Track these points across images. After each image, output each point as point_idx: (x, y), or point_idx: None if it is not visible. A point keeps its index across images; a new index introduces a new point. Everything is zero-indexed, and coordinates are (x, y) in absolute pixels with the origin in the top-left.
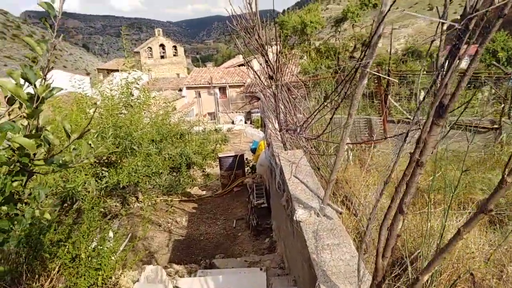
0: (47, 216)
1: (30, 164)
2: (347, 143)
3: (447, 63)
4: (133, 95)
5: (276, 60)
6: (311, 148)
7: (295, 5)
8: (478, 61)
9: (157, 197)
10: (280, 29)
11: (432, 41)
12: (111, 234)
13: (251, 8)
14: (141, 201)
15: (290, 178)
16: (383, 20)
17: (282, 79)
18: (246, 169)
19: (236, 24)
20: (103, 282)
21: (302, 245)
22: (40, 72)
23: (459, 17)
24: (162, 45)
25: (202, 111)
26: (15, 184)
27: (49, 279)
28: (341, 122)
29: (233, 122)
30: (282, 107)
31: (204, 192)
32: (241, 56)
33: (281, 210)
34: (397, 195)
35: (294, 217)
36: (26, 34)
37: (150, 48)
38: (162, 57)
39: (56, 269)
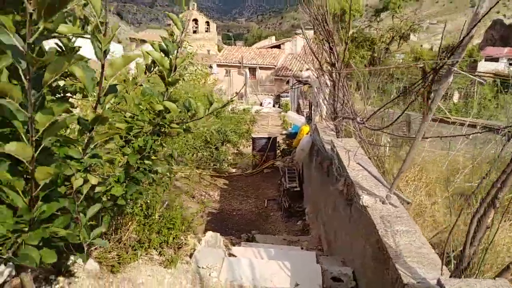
0: (166, 171)
1: (166, 126)
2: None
3: None
4: (186, 69)
5: (344, 50)
6: (365, 138)
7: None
8: None
9: (192, 169)
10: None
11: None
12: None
13: None
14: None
15: (349, 164)
16: (479, 22)
17: (343, 67)
18: (277, 151)
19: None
20: (173, 239)
21: (367, 230)
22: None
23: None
24: (195, 20)
25: (231, 90)
26: (150, 142)
27: (127, 232)
28: (394, 117)
29: (261, 104)
30: (341, 95)
31: (234, 170)
32: (273, 37)
33: (326, 194)
34: (492, 190)
35: (360, 202)
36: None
37: (183, 22)
38: (194, 31)
39: (133, 225)
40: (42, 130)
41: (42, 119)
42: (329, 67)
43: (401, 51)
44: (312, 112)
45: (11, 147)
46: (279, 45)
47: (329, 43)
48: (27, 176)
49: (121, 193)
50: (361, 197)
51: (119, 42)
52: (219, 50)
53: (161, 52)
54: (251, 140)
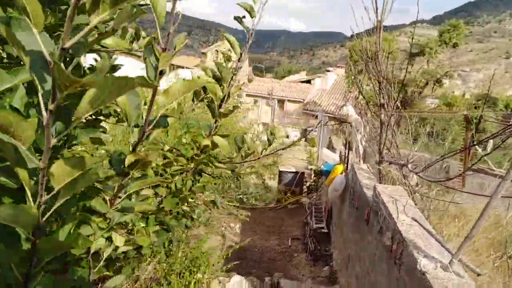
0: (205, 220)
1: (211, 165)
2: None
3: None
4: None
5: (399, 92)
6: (412, 187)
7: (364, 31)
8: None
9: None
10: (350, 53)
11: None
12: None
13: (377, 33)
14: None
15: (398, 217)
16: None
17: (393, 108)
18: (303, 187)
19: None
20: (195, 285)
21: None
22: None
23: None
24: (229, 50)
25: (259, 120)
26: (190, 183)
27: (145, 272)
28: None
29: (287, 137)
30: (390, 137)
31: (257, 203)
32: (303, 73)
33: (361, 244)
34: None
35: (418, 266)
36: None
37: (217, 51)
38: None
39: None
40: (59, 189)
41: (60, 171)
42: (373, 107)
43: (433, 95)
44: (349, 151)
45: (6, 212)
46: (309, 80)
47: (379, 83)
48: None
49: (148, 244)
50: (419, 260)
51: None
52: (249, 81)
53: (213, 78)
54: (277, 173)
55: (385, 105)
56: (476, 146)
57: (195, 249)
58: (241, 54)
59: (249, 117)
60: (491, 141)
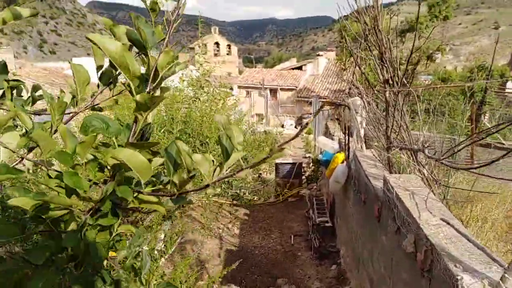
0: None
1: (130, 199)
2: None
3: None
4: (203, 88)
5: (408, 61)
6: (431, 175)
7: (355, 12)
8: None
9: (208, 198)
10: (340, 35)
11: None
12: (162, 235)
13: None
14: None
15: (420, 216)
16: None
17: (401, 84)
18: (302, 178)
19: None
20: None
21: None
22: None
23: None
24: (216, 43)
25: (251, 111)
26: (101, 234)
27: None
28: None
29: (282, 126)
30: (398, 118)
31: (255, 198)
32: (294, 59)
33: (374, 244)
34: None
35: (459, 284)
36: (89, 22)
37: (205, 45)
38: (215, 55)
39: None
40: None
41: None
42: (373, 86)
43: (427, 72)
44: (350, 137)
45: None
46: (301, 66)
47: (381, 55)
48: None
49: None
50: (458, 276)
51: None
52: (240, 73)
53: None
54: (274, 165)
55: (390, 81)
56: (484, 120)
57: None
58: (229, 45)
59: (243, 109)
60: (487, 113)
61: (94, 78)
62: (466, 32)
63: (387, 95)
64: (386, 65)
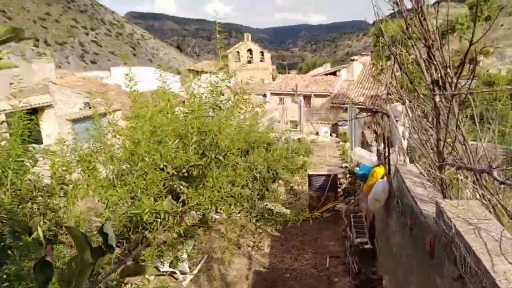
0: None
1: None
2: None
3: None
4: (223, 95)
5: (465, 55)
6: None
7: (388, 15)
8: None
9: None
10: (375, 38)
11: None
12: (185, 255)
13: None
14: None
15: (494, 266)
16: None
17: (455, 86)
18: (338, 191)
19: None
20: None
21: None
22: None
23: None
24: (249, 50)
25: (285, 118)
26: None
27: None
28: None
29: (317, 133)
30: (454, 128)
31: (288, 211)
32: (328, 65)
33: (426, 282)
34: None
35: None
36: (128, 32)
37: (238, 52)
38: (249, 61)
39: None
40: None
41: None
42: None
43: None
44: (390, 149)
45: None
46: (335, 72)
47: (429, 48)
48: None
49: None
50: None
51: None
52: (273, 79)
53: None
54: (306, 177)
55: (440, 83)
56: None
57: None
58: (262, 52)
59: (276, 116)
60: None
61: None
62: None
63: (437, 100)
64: (434, 62)
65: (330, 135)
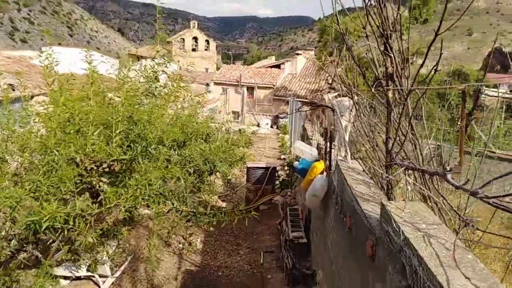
0: None
1: None
2: None
3: None
4: (158, 81)
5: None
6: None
7: (332, 14)
8: None
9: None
10: (320, 34)
11: None
12: (105, 257)
13: None
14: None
15: (450, 281)
16: None
17: (407, 82)
18: (276, 183)
19: None
20: None
21: None
22: None
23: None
24: (195, 38)
25: (227, 109)
26: None
27: None
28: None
29: (258, 125)
30: (406, 125)
31: (224, 204)
32: (273, 58)
33: (364, 284)
34: None
35: None
36: (66, 12)
37: (183, 39)
38: (193, 50)
39: None
40: None
41: None
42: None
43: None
44: (331, 144)
45: None
46: (279, 65)
47: (386, 39)
48: None
49: None
50: None
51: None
52: (218, 69)
53: None
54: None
55: (396, 76)
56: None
57: None
58: (207, 41)
59: (218, 106)
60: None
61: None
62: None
63: (390, 95)
64: (390, 53)
65: (271, 127)
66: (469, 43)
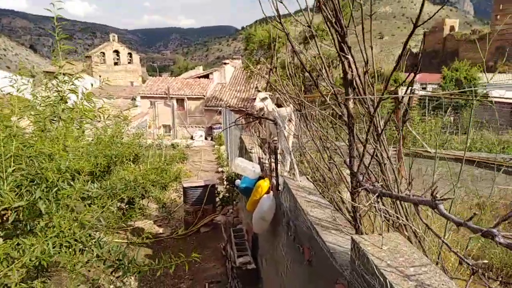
0: None
1: None
2: None
3: None
4: (66, 102)
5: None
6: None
7: (255, 23)
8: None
9: (87, 262)
10: (246, 43)
11: None
12: None
13: None
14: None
15: None
16: None
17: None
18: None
19: None
20: None
21: None
22: None
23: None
24: (116, 51)
25: (157, 123)
26: None
27: None
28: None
29: (192, 138)
30: (371, 140)
31: (161, 230)
32: (200, 68)
33: None
34: None
35: None
36: None
37: (103, 53)
38: (116, 63)
39: None
40: None
41: None
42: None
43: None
44: (278, 161)
45: None
46: (207, 75)
47: (341, 37)
48: None
49: None
50: None
51: (33, 76)
52: (144, 82)
53: None
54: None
55: (357, 83)
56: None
57: None
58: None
59: (146, 121)
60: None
61: None
62: (356, 42)
63: (351, 106)
64: (348, 54)
65: (205, 138)
66: (381, 46)
